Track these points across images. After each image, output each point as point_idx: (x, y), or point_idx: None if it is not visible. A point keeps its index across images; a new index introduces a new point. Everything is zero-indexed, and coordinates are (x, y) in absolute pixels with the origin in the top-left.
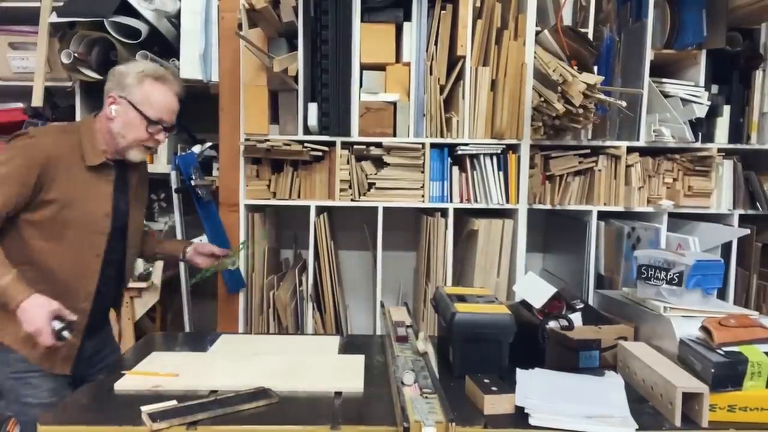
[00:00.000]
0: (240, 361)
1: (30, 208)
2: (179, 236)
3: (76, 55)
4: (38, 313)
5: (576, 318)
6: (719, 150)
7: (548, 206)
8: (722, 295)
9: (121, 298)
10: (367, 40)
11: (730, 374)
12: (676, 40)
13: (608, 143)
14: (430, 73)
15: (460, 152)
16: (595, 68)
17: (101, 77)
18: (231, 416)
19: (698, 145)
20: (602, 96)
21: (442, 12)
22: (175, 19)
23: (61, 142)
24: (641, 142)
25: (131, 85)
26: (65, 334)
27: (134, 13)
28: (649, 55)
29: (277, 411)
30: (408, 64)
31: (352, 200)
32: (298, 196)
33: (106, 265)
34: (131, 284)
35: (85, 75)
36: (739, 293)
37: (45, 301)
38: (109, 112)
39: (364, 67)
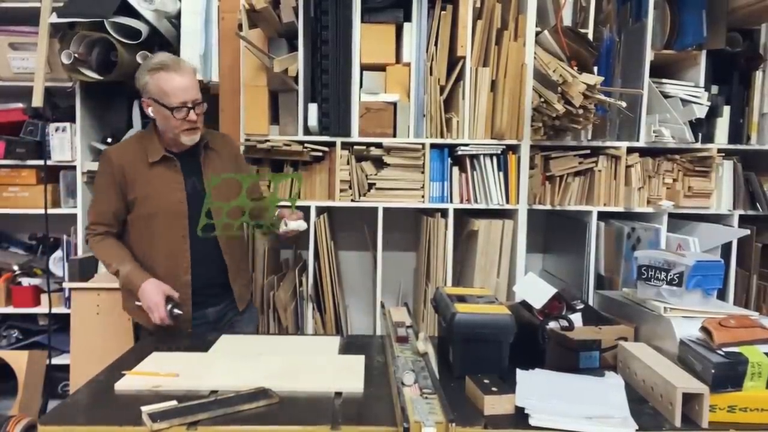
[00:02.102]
0: (240, 361)
1: (129, 209)
2: None
3: (76, 55)
4: (153, 293)
5: (576, 318)
6: (719, 150)
7: (548, 207)
8: (722, 295)
9: (239, 268)
10: (367, 40)
11: (730, 375)
12: (676, 41)
13: (608, 144)
14: (430, 74)
15: (460, 152)
16: (595, 69)
17: (101, 77)
18: (231, 416)
19: (698, 145)
20: (602, 96)
21: (442, 12)
22: (175, 19)
23: (127, 148)
24: (641, 143)
25: (146, 84)
26: (176, 311)
27: (134, 14)
28: (649, 56)
29: (277, 411)
30: (408, 65)
31: (352, 200)
32: (299, 197)
33: (196, 243)
34: None
35: (85, 75)
36: (739, 294)
37: (157, 283)
38: (150, 114)
39: (364, 67)
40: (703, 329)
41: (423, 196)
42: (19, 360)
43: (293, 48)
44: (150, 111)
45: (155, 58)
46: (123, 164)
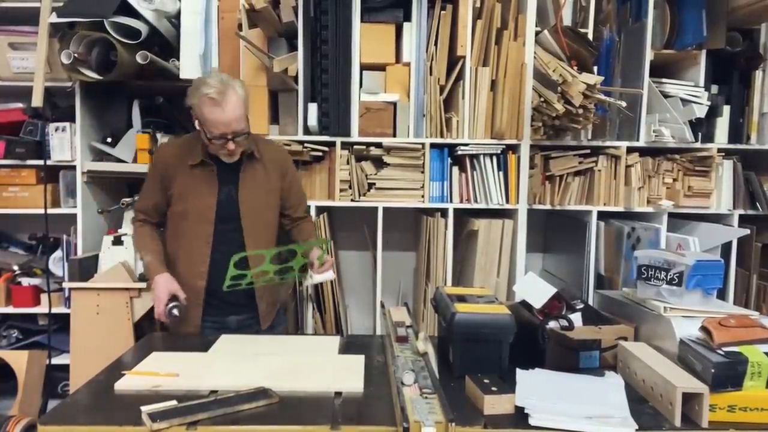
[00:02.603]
0: (240, 361)
1: (168, 203)
2: None
3: (76, 55)
4: (160, 288)
5: (576, 318)
6: (719, 150)
7: (548, 206)
8: (722, 295)
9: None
10: (367, 40)
11: (730, 374)
12: (676, 41)
13: (608, 143)
14: (430, 74)
15: (460, 152)
16: (595, 68)
17: (101, 77)
18: (231, 416)
19: (698, 145)
20: (602, 96)
21: (442, 12)
22: (175, 19)
23: (173, 149)
24: (641, 143)
25: (195, 105)
26: (174, 312)
27: (134, 14)
28: (649, 56)
29: (277, 411)
30: (408, 64)
31: (352, 200)
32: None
33: (219, 250)
34: (131, 285)
35: (85, 75)
36: (739, 293)
37: (168, 279)
38: (196, 126)
39: (364, 67)
40: (703, 329)
41: (423, 196)
42: (19, 360)
43: (293, 48)
44: (196, 124)
45: (207, 83)
46: (168, 161)
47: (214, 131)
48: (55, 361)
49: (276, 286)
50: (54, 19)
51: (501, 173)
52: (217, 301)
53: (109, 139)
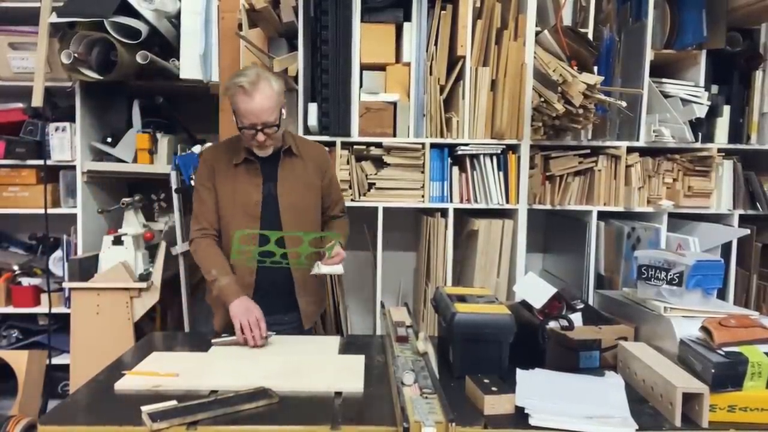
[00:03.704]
0: (240, 361)
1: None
2: (178, 236)
3: (76, 55)
4: (252, 312)
5: (576, 318)
6: (719, 150)
7: (548, 206)
8: (722, 295)
9: (306, 282)
10: (367, 40)
11: (730, 374)
12: (676, 41)
13: (608, 143)
14: (430, 73)
15: (460, 152)
16: (595, 68)
17: (101, 77)
18: (231, 416)
19: (698, 145)
20: (602, 96)
21: (442, 12)
22: (175, 19)
23: (218, 150)
24: (641, 143)
25: (230, 96)
26: (269, 333)
27: (134, 13)
28: (649, 55)
29: (277, 411)
30: (408, 64)
31: (352, 200)
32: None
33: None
34: (131, 285)
35: (85, 75)
36: (739, 293)
37: (253, 304)
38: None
39: (364, 67)
40: (703, 329)
41: (423, 196)
42: (19, 360)
43: (293, 48)
44: (233, 118)
45: (242, 74)
46: (213, 163)
47: (244, 121)
48: (55, 361)
49: (317, 284)
50: (54, 19)
51: (501, 173)
52: (263, 300)
53: (109, 139)
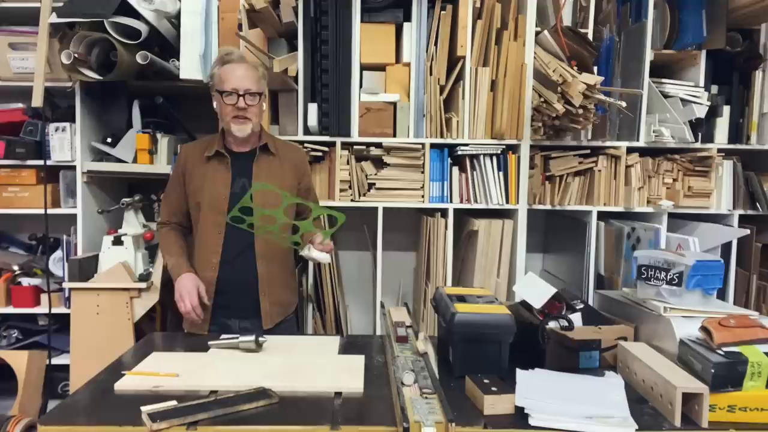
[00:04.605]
0: (240, 361)
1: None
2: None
3: (76, 55)
4: (189, 283)
5: (576, 318)
6: (719, 150)
7: (548, 206)
8: (722, 295)
9: (271, 282)
10: (367, 40)
11: (730, 374)
12: (676, 41)
13: (608, 143)
14: (430, 74)
15: (460, 152)
16: (595, 68)
17: (101, 77)
18: (231, 416)
19: (698, 145)
20: (602, 96)
21: (442, 12)
22: (175, 19)
23: (195, 144)
24: (641, 143)
25: (213, 76)
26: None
27: (134, 14)
28: (648, 56)
29: (277, 411)
30: (408, 65)
31: (352, 200)
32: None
33: (231, 241)
34: (131, 285)
35: (85, 75)
36: (739, 293)
37: (195, 278)
38: (216, 109)
39: (364, 67)
40: (703, 329)
41: (423, 196)
42: (19, 360)
43: (293, 48)
44: (215, 106)
45: (223, 51)
46: (187, 157)
47: (227, 86)
48: (55, 361)
49: (282, 284)
50: (54, 19)
51: (501, 173)
52: (225, 299)
53: (109, 139)
